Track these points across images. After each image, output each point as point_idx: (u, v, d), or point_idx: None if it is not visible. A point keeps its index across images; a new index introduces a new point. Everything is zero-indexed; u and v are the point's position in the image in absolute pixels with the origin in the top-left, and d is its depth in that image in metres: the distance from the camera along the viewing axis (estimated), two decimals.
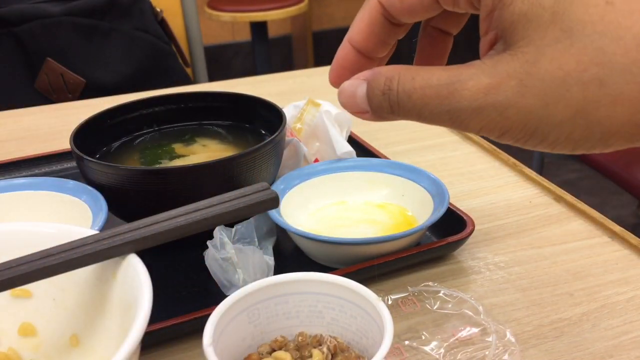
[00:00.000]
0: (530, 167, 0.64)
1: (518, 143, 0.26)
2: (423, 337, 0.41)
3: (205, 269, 0.44)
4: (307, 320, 0.38)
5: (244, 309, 0.36)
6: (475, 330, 0.41)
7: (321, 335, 0.37)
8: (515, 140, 0.26)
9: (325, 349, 0.35)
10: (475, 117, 0.25)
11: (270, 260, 0.45)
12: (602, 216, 0.54)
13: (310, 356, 0.35)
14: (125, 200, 0.49)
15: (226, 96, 0.61)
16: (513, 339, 0.40)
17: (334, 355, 0.35)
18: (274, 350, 0.36)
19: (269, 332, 0.37)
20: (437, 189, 0.51)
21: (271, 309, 0.37)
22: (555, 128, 0.24)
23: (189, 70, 1.14)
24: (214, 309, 0.34)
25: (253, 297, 0.36)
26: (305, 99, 0.62)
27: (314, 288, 0.37)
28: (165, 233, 0.34)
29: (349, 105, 0.30)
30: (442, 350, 0.40)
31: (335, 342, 0.36)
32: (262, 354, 0.36)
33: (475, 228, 0.50)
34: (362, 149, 0.64)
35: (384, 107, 0.28)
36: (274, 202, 0.37)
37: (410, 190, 0.53)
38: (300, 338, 0.37)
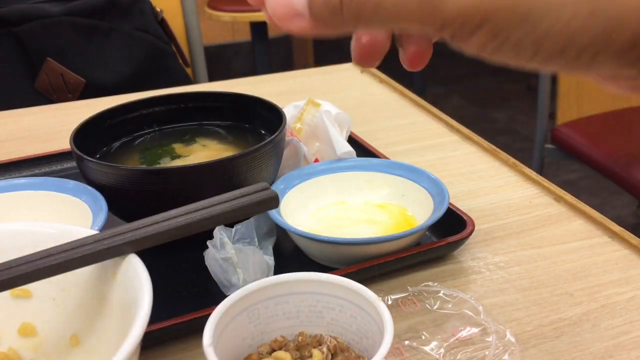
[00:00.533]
0: (530, 167, 0.64)
1: (500, 36, 0.21)
2: (423, 337, 0.41)
3: (205, 269, 0.44)
4: (307, 320, 0.37)
5: (244, 308, 0.36)
6: (475, 330, 0.41)
7: (321, 335, 0.37)
8: (497, 31, 0.21)
9: (325, 349, 0.35)
10: None
11: (270, 260, 0.45)
12: (602, 216, 0.54)
13: (310, 356, 0.35)
14: (125, 201, 0.49)
15: (226, 96, 0.61)
16: (513, 339, 0.40)
17: (334, 355, 0.35)
18: (273, 350, 0.36)
19: (269, 332, 0.37)
20: (437, 189, 0.51)
21: (271, 309, 0.37)
22: (554, 9, 0.20)
23: (189, 70, 1.13)
24: (214, 309, 0.34)
25: (253, 296, 0.36)
26: (305, 99, 0.62)
27: (314, 288, 0.37)
28: (166, 233, 0.34)
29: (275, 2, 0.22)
30: (442, 351, 0.40)
31: (335, 342, 0.35)
32: (262, 354, 0.36)
33: (475, 228, 0.50)
34: (362, 149, 0.64)
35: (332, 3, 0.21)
36: (274, 202, 0.37)
37: (410, 190, 0.53)
38: (300, 338, 0.37)
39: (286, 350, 0.36)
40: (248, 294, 0.35)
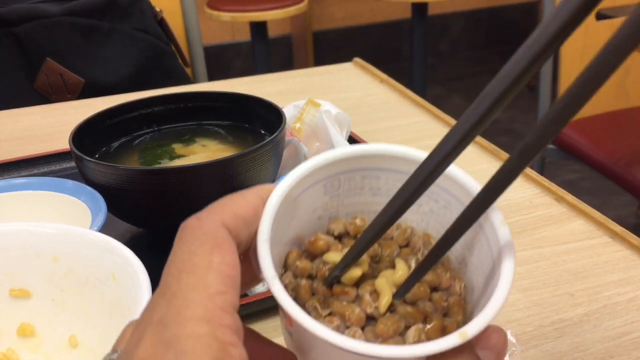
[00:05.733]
0: (531, 167, 0.63)
1: None
2: None
3: None
4: None
5: (321, 179, 0.28)
6: None
7: (412, 230, 0.28)
8: None
9: (413, 262, 0.27)
10: None
11: None
12: (603, 216, 0.54)
13: (392, 265, 0.27)
14: (124, 201, 0.49)
15: (226, 96, 0.61)
16: (514, 340, 0.40)
17: None
18: (347, 235, 0.28)
19: (348, 204, 0.29)
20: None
21: (356, 182, 0.28)
22: None
23: (188, 70, 1.13)
24: None
25: (335, 166, 0.27)
26: (305, 98, 0.62)
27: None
28: None
29: None
30: None
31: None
32: (332, 233, 0.28)
33: None
34: None
35: None
36: None
37: None
38: None
39: None
40: (329, 163, 0.27)
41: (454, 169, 0.27)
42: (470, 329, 0.23)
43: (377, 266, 0.27)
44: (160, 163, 0.55)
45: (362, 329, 0.25)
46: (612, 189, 1.40)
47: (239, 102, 0.60)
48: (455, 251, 0.28)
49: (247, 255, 0.26)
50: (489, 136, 0.70)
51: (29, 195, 0.51)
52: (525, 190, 0.60)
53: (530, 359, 0.40)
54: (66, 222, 0.45)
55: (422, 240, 0.28)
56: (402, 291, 0.25)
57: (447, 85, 2.77)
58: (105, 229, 0.43)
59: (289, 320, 0.25)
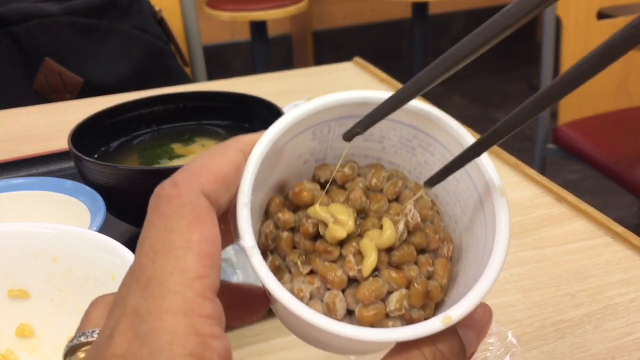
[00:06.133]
0: (531, 167, 0.63)
1: None
2: None
3: None
4: (393, 149, 0.27)
5: (310, 126, 0.25)
6: None
7: (403, 183, 0.26)
8: None
9: (402, 225, 0.24)
10: None
11: None
12: (604, 216, 0.54)
13: (379, 224, 0.25)
14: (123, 201, 0.49)
15: (225, 96, 0.61)
16: (514, 341, 0.40)
17: (410, 232, 0.25)
18: (333, 182, 0.26)
19: (337, 148, 0.27)
20: None
21: (347, 127, 0.26)
22: None
23: (188, 70, 1.13)
24: None
25: (327, 113, 0.25)
26: (305, 98, 0.61)
27: (415, 122, 0.26)
28: None
29: None
30: None
31: (418, 219, 0.25)
32: (319, 179, 0.26)
33: None
34: None
35: None
36: None
37: None
38: (373, 173, 0.26)
39: (352, 193, 0.25)
40: (317, 111, 0.25)
41: (457, 127, 0.26)
42: (455, 313, 0.22)
43: (363, 222, 0.25)
44: (159, 163, 0.55)
45: (344, 291, 0.24)
46: (613, 189, 1.40)
47: (239, 102, 0.60)
48: (446, 204, 0.27)
49: (226, 217, 0.24)
50: None
51: (28, 196, 0.51)
52: (526, 191, 0.60)
53: (531, 359, 0.40)
54: (65, 223, 0.45)
55: (414, 192, 0.26)
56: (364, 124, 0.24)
57: (447, 85, 2.76)
58: (104, 229, 0.43)
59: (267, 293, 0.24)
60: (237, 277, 0.43)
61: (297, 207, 0.25)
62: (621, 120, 1.38)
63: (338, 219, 0.24)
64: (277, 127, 0.24)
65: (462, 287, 0.25)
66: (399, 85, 0.86)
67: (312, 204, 0.25)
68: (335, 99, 0.25)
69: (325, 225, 0.24)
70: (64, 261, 0.37)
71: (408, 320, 0.24)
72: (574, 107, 1.37)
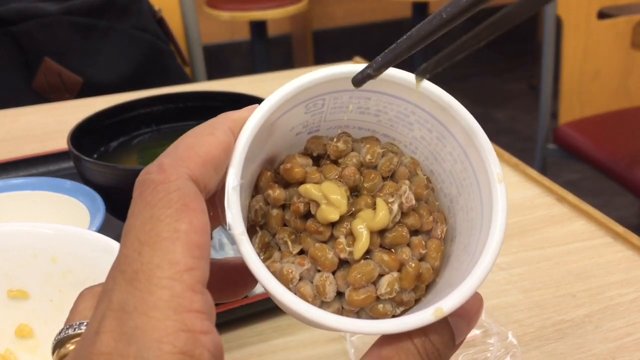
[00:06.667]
0: (532, 167, 0.63)
1: None
2: None
3: None
4: (389, 122, 0.26)
5: (304, 100, 0.24)
6: (477, 332, 0.41)
7: (399, 159, 0.25)
8: None
9: (396, 207, 0.24)
10: None
11: None
12: (605, 217, 0.54)
13: (372, 203, 0.24)
14: (123, 201, 0.48)
15: (225, 95, 0.60)
16: (515, 341, 0.40)
17: (404, 214, 0.24)
18: (326, 157, 0.25)
19: (331, 120, 0.26)
20: None
21: (343, 101, 0.25)
22: None
23: (187, 70, 1.13)
24: None
25: (321, 87, 0.24)
26: None
27: (414, 98, 0.25)
28: None
29: None
30: None
31: (412, 202, 0.24)
32: (310, 152, 0.25)
33: None
34: None
35: None
36: None
37: None
38: (368, 148, 0.25)
39: (344, 169, 0.24)
40: (311, 85, 0.24)
41: (458, 107, 0.25)
42: (447, 305, 0.21)
43: (355, 200, 0.24)
44: None
45: (334, 273, 0.23)
46: (614, 189, 1.40)
47: (239, 102, 0.60)
48: (442, 182, 0.26)
49: (213, 200, 0.23)
50: (490, 136, 0.70)
51: (27, 196, 0.51)
52: (526, 191, 0.60)
53: (532, 359, 0.40)
54: (64, 223, 0.45)
55: (409, 169, 0.25)
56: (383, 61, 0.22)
57: (448, 85, 2.74)
58: (103, 230, 0.42)
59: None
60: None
61: (288, 183, 0.25)
62: (622, 120, 1.38)
63: (331, 199, 0.23)
64: (268, 104, 0.23)
65: (454, 270, 0.24)
66: None
67: (303, 180, 0.24)
68: (330, 73, 0.24)
69: (317, 204, 0.23)
70: (63, 261, 0.37)
71: (398, 303, 0.24)
72: (575, 107, 1.37)
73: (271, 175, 0.25)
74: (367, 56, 0.99)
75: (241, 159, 0.22)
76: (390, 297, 0.23)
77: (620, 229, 0.52)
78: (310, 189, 0.23)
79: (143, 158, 0.56)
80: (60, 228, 0.37)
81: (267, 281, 0.21)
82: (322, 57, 2.76)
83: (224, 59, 2.71)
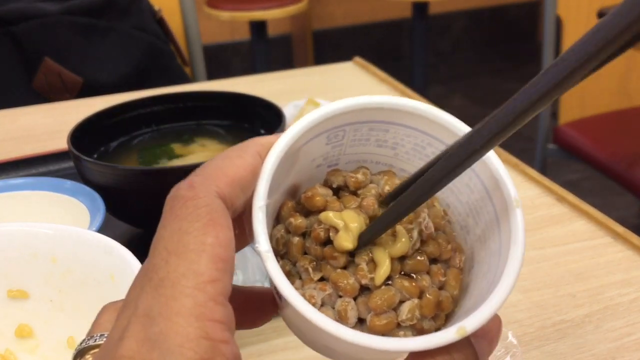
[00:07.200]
0: (532, 167, 0.63)
1: None
2: None
3: None
4: (406, 155, 0.27)
5: (325, 130, 0.25)
6: None
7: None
8: None
9: (415, 234, 0.24)
10: None
11: None
12: (605, 217, 0.54)
13: (391, 233, 0.25)
14: (123, 201, 0.49)
15: (225, 95, 0.60)
16: (515, 341, 0.40)
17: (423, 242, 0.25)
18: (345, 188, 0.26)
19: (350, 153, 0.27)
20: None
21: (362, 133, 0.26)
22: None
23: (187, 70, 1.13)
24: None
25: (343, 117, 0.25)
26: (305, 98, 0.61)
27: (433, 130, 0.26)
28: None
29: None
30: None
31: (432, 229, 0.25)
32: (331, 184, 0.26)
33: None
34: None
35: None
36: None
37: None
38: (387, 185, 0.25)
39: (364, 199, 0.25)
40: (334, 115, 0.25)
41: (465, 129, 0.26)
42: (469, 324, 0.22)
43: None
44: (159, 163, 0.55)
45: (355, 299, 0.24)
46: (614, 189, 1.40)
47: (239, 102, 0.60)
48: (458, 215, 0.27)
49: (240, 219, 0.24)
50: None
51: (27, 196, 0.51)
52: (526, 191, 0.60)
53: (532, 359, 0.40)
54: (64, 223, 0.45)
55: (427, 203, 0.25)
56: (365, 239, 0.24)
57: (448, 85, 2.76)
58: (103, 230, 0.42)
59: (277, 296, 0.24)
60: (237, 278, 0.43)
61: (308, 211, 0.25)
62: (622, 120, 1.38)
63: (349, 226, 0.24)
64: (294, 130, 0.24)
65: (474, 298, 0.24)
66: (400, 85, 0.86)
67: (324, 209, 0.25)
68: (352, 103, 0.25)
69: (337, 231, 0.24)
70: (63, 261, 0.37)
71: (419, 331, 0.24)
72: (575, 106, 1.37)
73: (293, 205, 0.26)
74: (367, 56, 0.99)
75: (268, 180, 0.23)
76: (411, 323, 0.23)
77: (620, 229, 0.52)
78: (330, 216, 0.24)
79: (143, 158, 0.56)
80: (60, 228, 0.37)
81: (291, 297, 0.22)
82: (322, 57, 2.76)
83: (224, 59, 2.71)
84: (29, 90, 0.96)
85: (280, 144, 0.24)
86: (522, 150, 2.13)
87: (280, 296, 0.23)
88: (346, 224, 0.24)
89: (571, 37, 1.29)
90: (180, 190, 0.22)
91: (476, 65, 2.92)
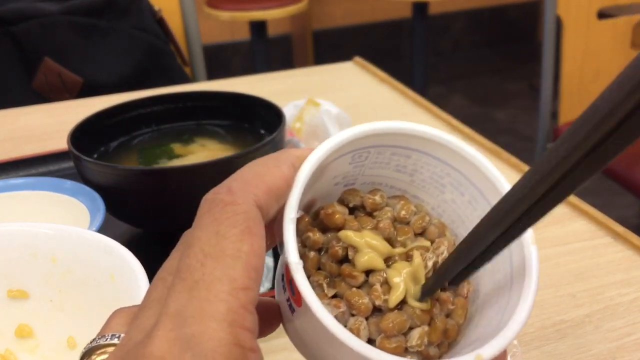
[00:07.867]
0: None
1: None
2: None
3: None
4: (422, 183, 0.28)
5: (352, 150, 0.26)
6: None
7: (429, 219, 0.27)
8: None
9: (430, 263, 0.25)
10: None
11: (269, 261, 0.45)
12: (605, 217, 0.54)
13: (406, 255, 0.25)
14: (123, 201, 0.49)
15: (225, 95, 0.60)
16: (515, 341, 0.40)
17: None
18: (362, 208, 0.27)
19: (368, 175, 0.28)
20: None
21: (385, 156, 0.27)
22: None
23: (187, 70, 1.13)
24: None
25: (371, 139, 0.26)
26: (305, 98, 0.61)
27: (455, 162, 0.26)
28: None
29: None
30: None
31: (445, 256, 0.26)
32: (347, 202, 0.27)
33: None
34: None
35: None
36: None
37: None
38: (403, 210, 0.26)
39: (380, 221, 0.26)
40: (363, 136, 0.25)
41: (495, 173, 0.26)
42: (487, 353, 0.22)
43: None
44: (159, 163, 0.55)
45: (367, 319, 0.24)
46: (614, 189, 1.40)
47: (239, 102, 0.60)
48: None
49: (269, 227, 0.24)
50: (490, 136, 0.70)
51: (27, 196, 0.51)
52: None
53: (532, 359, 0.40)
54: (64, 223, 0.45)
55: (439, 230, 0.26)
56: (425, 293, 0.24)
57: (448, 85, 2.76)
58: (103, 230, 0.43)
59: (297, 300, 0.24)
60: None
61: (325, 227, 0.26)
62: None
63: (373, 246, 0.24)
64: (327, 146, 0.25)
65: (480, 328, 0.25)
66: (400, 85, 0.86)
67: (342, 227, 0.25)
68: (385, 127, 0.25)
69: (355, 249, 0.24)
70: (63, 261, 0.37)
71: (425, 356, 0.24)
72: (575, 106, 1.37)
73: (309, 220, 0.26)
74: (367, 56, 0.99)
75: (300, 193, 0.24)
76: (419, 349, 0.24)
77: (620, 229, 0.52)
78: (351, 236, 0.25)
79: (143, 158, 0.56)
80: (60, 228, 0.37)
81: (318, 309, 0.22)
82: (322, 57, 2.75)
83: (224, 59, 2.71)
84: (28, 90, 0.96)
85: (313, 157, 0.24)
86: (522, 150, 2.13)
87: (293, 308, 0.23)
88: (369, 244, 0.25)
89: (571, 37, 1.29)
90: (219, 194, 0.22)
91: (476, 65, 2.92)
